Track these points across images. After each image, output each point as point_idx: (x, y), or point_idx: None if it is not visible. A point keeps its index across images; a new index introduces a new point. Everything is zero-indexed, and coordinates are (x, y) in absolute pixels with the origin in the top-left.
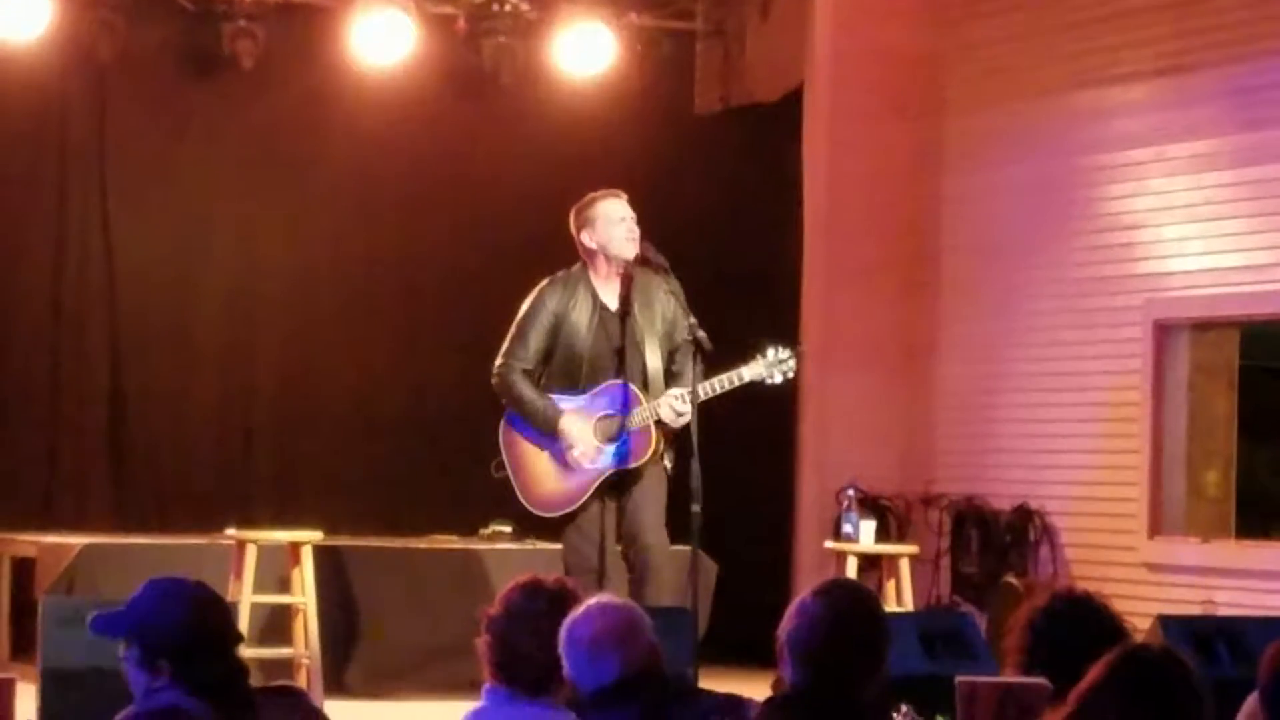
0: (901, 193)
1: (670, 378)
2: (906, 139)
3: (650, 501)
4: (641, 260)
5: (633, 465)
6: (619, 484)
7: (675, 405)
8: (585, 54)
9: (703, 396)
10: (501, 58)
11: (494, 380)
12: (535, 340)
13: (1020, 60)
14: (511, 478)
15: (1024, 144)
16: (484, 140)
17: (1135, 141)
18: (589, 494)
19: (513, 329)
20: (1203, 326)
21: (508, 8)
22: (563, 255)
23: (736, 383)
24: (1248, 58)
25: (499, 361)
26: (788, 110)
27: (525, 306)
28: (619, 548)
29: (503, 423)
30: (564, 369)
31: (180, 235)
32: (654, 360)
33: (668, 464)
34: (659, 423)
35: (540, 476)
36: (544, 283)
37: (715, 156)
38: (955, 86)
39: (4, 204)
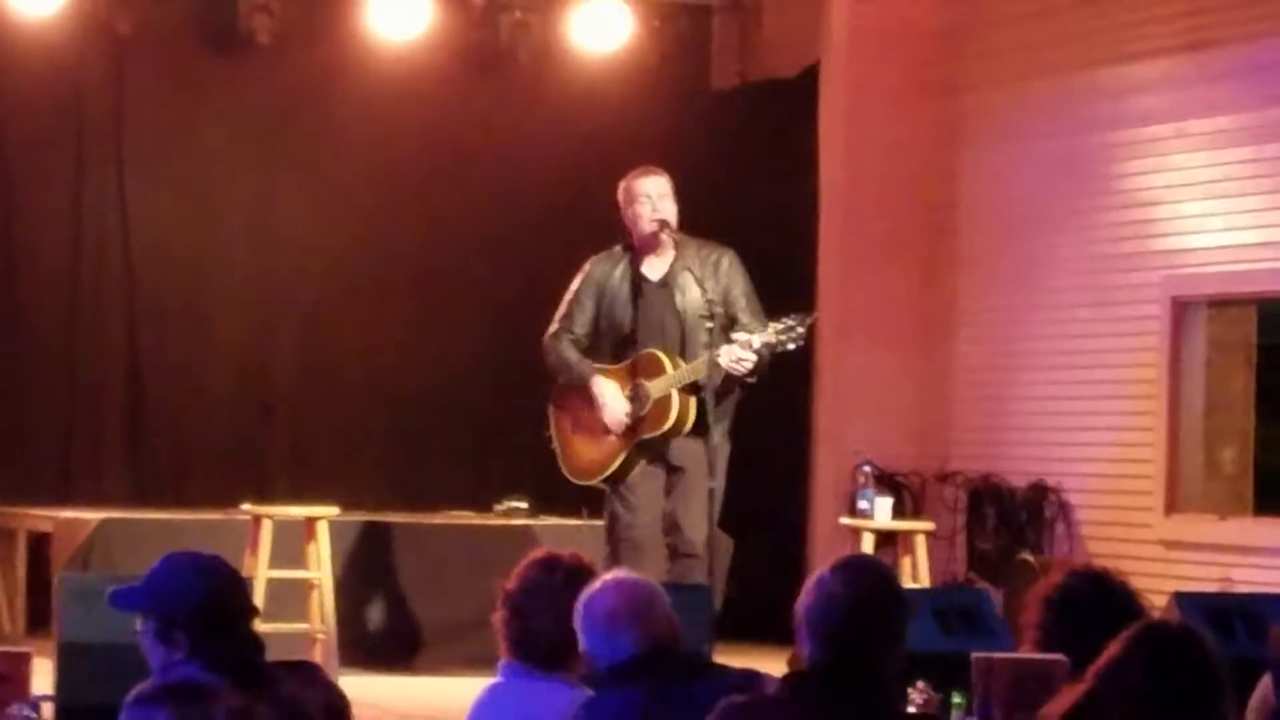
0: (919, 169)
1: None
2: (924, 115)
3: (696, 492)
4: (658, 232)
5: (647, 435)
6: (665, 460)
7: (736, 351)
8: (602, 30)
9: (722, 363)
10: (518, 34)
11: (544, 348)
12: (581, 311)
13: (1039, 36)
14: (556, 447)
15: (1043, 120)
16: (500, 117)
17: (1155, 117)
18: (618, 462)
19: (563, 302)
20: (1221, 303)
21: None
22: (580, 231)
23: (750, 349)
24: (1268, 34)
25: (549, 330)
26: (805, 86)
27: (575, 280)
28: (661, 523)
29: (551, 394)
30: (609, 340)
31: (197, 210)
32: (694, 331)
33: (717, 438)
34: (691, 389)
35: (578, 447)
36: (593, 257)
37: (732, 132)
38: (973, 62)
39: (22, 179)
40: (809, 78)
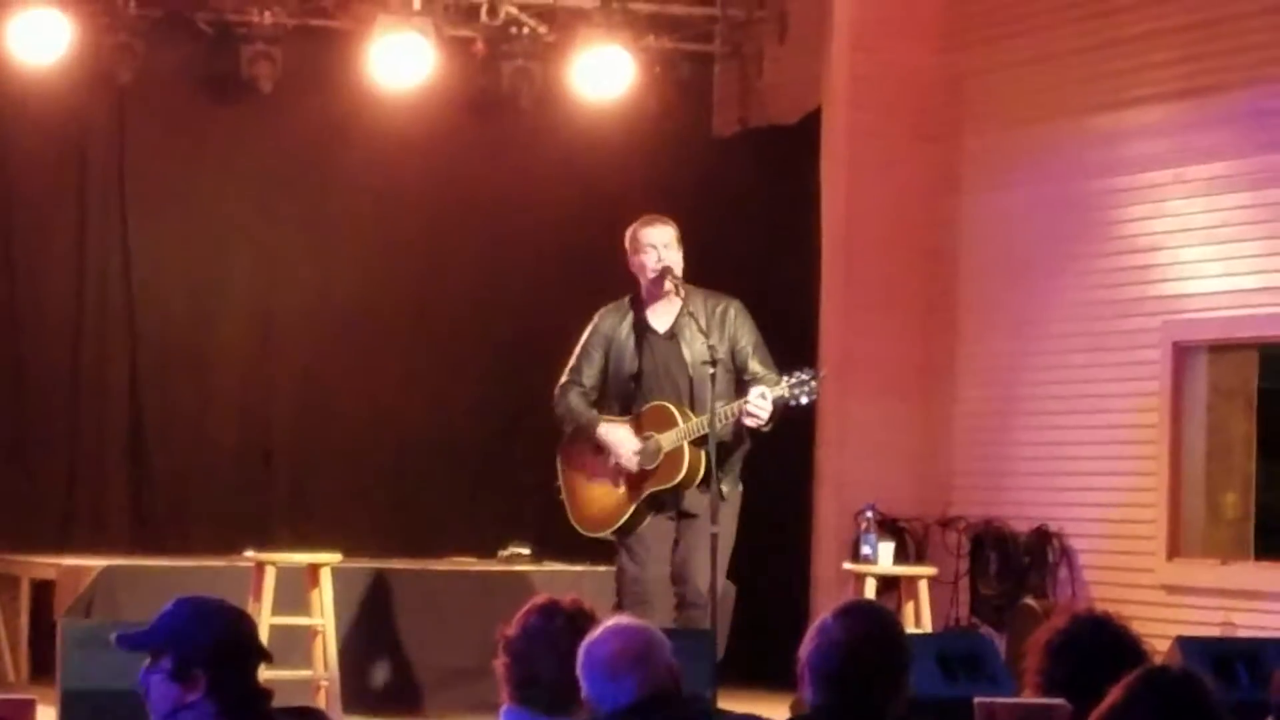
0: (919, 215)
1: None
2: (924, 161)
3: (704, 540)
4: (662, 280)
5: (660, 488)
6: (675, 510)
7: (750, 405)
8: (603, 77)
9: (725, 419)
10: (520, 81)
11: (554, 400)
12: (590, 364)
13: (1038, 82)
14: (565, 499)
15: (1042, 166)
16: (502, 163)
17: (1153, 163)
18: (628, 514)
19: (573, 354)
20: (1221, 348)
21: (526, 31)
22: (580, 277)
23: (764, 400)
24: (1266, 80)
25: (559, 382)
26: (806, 132)
27: (585, 332)
28: (668, 570)
29: (561, 445)
30: (617, 391)
31: (199, 258)
32: (701, 382)
33: (724, 490)
34: (700, 441)
35: (588, 498)
36: (603, 309)
37: (733, 179)
38: (973, 108)
39: (24, 226)
40: (810, 124)
